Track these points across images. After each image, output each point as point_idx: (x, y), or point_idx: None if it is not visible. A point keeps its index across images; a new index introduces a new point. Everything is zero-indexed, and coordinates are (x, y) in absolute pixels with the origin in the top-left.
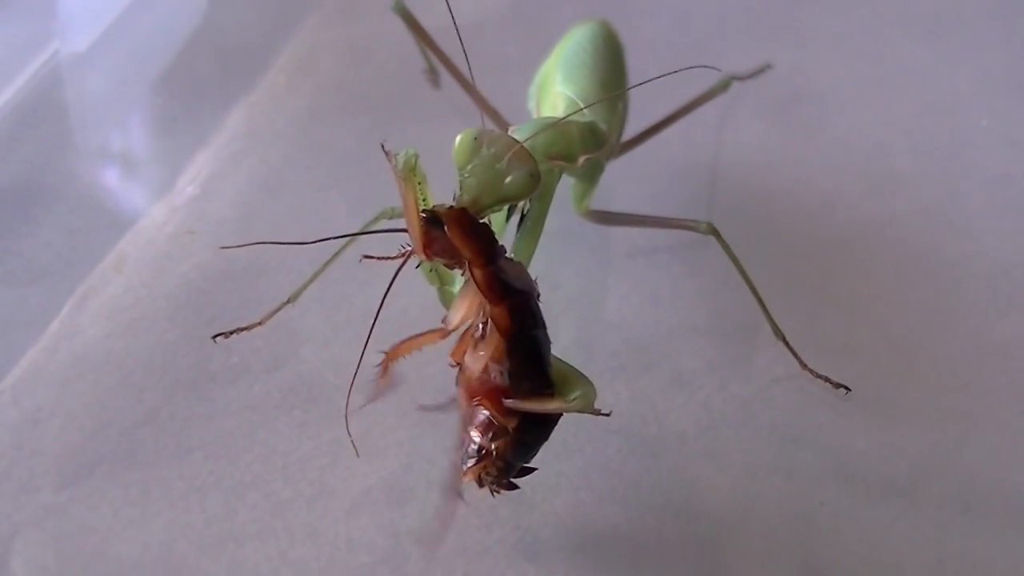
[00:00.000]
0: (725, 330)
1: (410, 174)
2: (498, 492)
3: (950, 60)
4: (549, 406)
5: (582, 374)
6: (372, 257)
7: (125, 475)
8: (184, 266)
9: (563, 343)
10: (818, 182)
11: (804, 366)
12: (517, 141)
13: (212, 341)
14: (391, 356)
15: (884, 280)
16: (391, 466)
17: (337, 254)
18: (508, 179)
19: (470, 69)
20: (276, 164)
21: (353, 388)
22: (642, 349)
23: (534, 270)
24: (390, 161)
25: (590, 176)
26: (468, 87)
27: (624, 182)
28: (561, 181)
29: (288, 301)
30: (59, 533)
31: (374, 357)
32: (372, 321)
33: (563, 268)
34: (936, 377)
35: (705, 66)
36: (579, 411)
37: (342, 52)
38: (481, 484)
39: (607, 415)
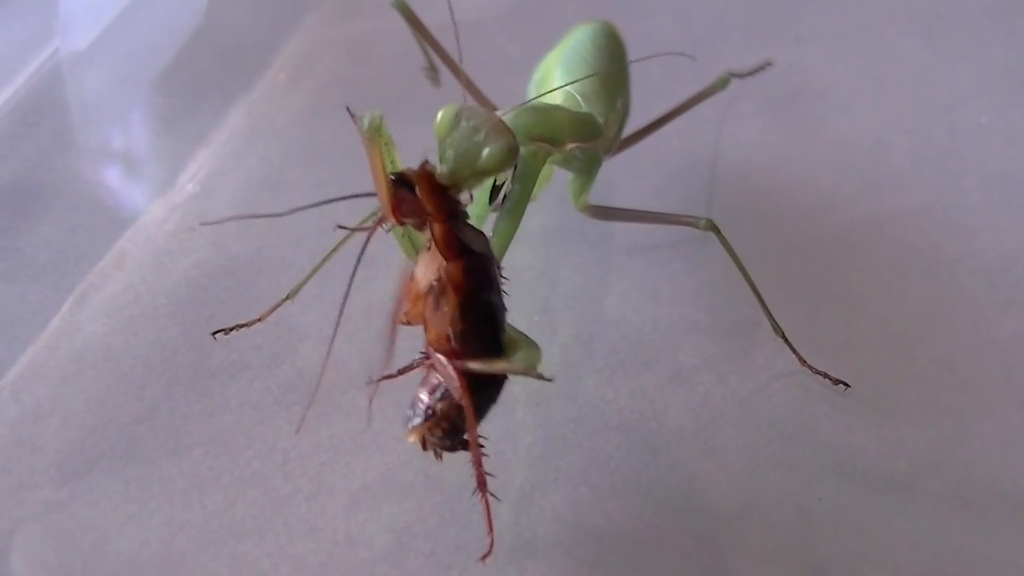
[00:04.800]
0: (724, 327)
1: (375, 135)
2: (440, 456)
3: (949, 58)
4: (494, 367)
5: (531, 340)
6: (345, 228)
7: (125, 471)
8: (184, 263)
9: (563, 339)
10: (817, 179)
11: (803, 362)
12: (495, 115)
13: (212, 338)
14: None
15: (883, 277)
16: (390, 462)
17: (335, 250)
18: (485, 151)
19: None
20: (276, 162)
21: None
22: (641, 345)
23: (513, 258)
24: (356, 124)
25: (587, 170)
26: (468, 85)
27: (624, 178)
28: (559, 177)
29: (287, 298)
30: (59, 529)
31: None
32: (346, 291)
33: (563, 264)
34: (935, 373)
35: None
36: (522, 373)
37: (342, 50)
38: (425, 446)
39: (549, 380)
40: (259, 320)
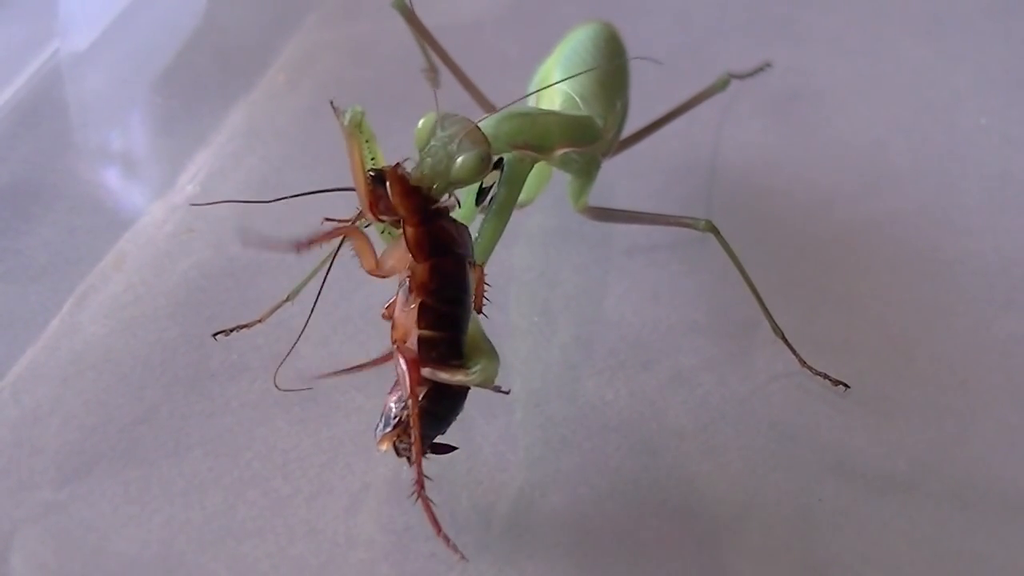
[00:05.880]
0: (724, 327)
1: (356, 131)
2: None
3: (948, 58)
4: (454, 377)
5: (492, 347)
6: (333, 220)
7: (125, 472)
8: (184, 264)
9: (562, 340)
10: (817, 180)
11: (803, 363)
12: (473, 123)
13: (212, 339)
14: (319, 237)
15: (882, 278)
16: (390, 463)
17: (336, 251)
18: (457, 162)
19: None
20: (276, 163)
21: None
22: (641, 346)
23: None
24: (338, 118)
25: (585, 172)
26: (468, 85)
27: (623, 179)
28: (558, 178)
29: (287, 299)
30: (58, 530)
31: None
32: (323, 279)
33: (562, 266)
34: (934, 374)
35: None
36: (479, 385)
37: (342, 51)
38: (399, 453)
39: (506, 392)
40: (259, 321)
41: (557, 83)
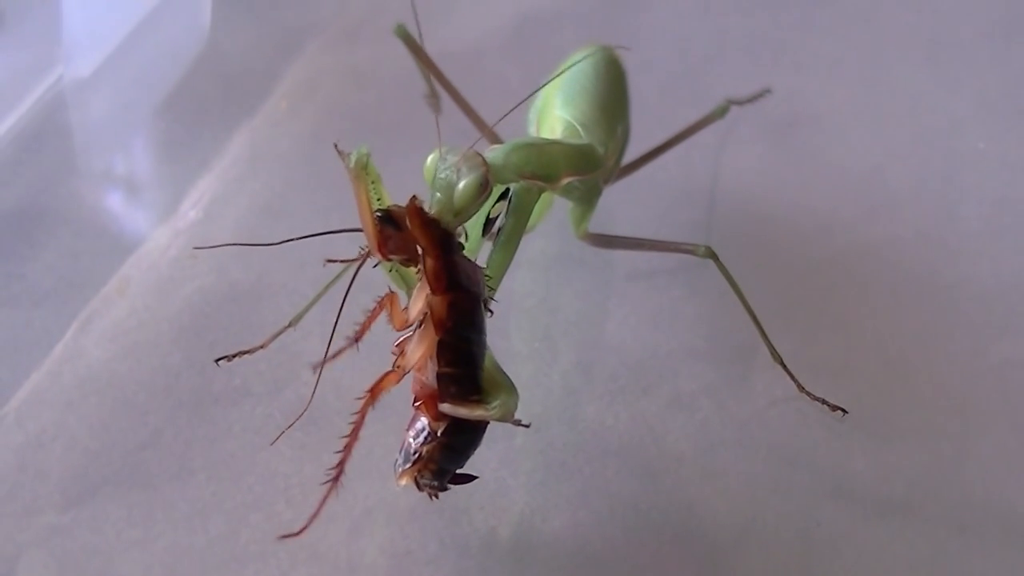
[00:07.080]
0: (723, 352)
1: (362, 172)
2: (435, 496)
3: (947, 84)
4: (473, 413)
5: (509, 381)
6: (335, 261)
7: (128, 496)
8: (187, 289)
9: (563, 366)
10: (816, 205)
11: (801, 388)
12: (471, 151)
13: (215, 364)
14: (360, 334)
15: (881, 302)
16: (391, 488)
17: (337, 278)
18: (458, 188)
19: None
20: (278, 188)
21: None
22: (641, 371)
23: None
24: (343, 160)
25: (587, 199)
26: (469, 111)
27: (623, 206)
28: (559, 204)
29: (290, 325)
30: (63, 554)
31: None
32: (336, 319)
33: (563, 291)
34: (932, 398)
35: None
36: (499, 420)
37: (344, 77)
38: (419, 488)
39: (527, 426)
40: (262, 347)
41: (553, 91)
